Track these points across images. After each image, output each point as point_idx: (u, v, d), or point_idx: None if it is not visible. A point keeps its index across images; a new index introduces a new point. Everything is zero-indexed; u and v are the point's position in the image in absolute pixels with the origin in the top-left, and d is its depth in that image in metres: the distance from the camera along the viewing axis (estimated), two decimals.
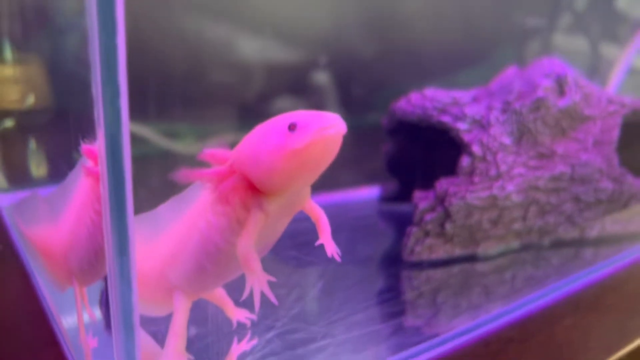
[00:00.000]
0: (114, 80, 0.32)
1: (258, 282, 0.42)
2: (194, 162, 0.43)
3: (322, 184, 0.81)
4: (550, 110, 0.68)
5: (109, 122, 0.33)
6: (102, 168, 0.34)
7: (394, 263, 0.66)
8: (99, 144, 0.35)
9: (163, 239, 0.48)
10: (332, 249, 0.47)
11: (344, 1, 1.03)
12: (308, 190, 0.46)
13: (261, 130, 0.41)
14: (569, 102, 0.69)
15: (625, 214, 0.78)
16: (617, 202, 0.75)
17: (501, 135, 0.65)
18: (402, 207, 0.77)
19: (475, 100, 0.66)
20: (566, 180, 0.70)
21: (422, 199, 0.63)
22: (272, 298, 0.42)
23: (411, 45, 1.12)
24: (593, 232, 0.76)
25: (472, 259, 0.68)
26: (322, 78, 1.03)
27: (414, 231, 0.63)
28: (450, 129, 0.64)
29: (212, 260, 0.44)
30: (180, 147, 0.90)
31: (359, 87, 1.09)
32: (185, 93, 0.88)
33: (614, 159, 0.74)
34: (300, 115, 0.40)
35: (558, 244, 0.74)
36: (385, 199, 0.78)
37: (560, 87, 0.69)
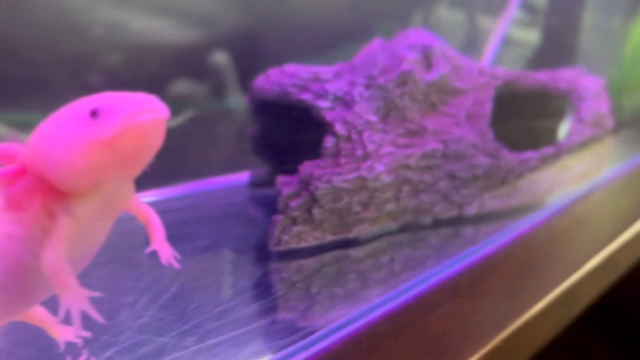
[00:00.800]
0: None
1: (75, 300, 0.35)
2: None
3: (189, 171, 0.74)
4: (418, 84, 0.64)
5: None
6: None
7: (262, 255, 0.60)
8: None
9: None
10: (167, 254, 0.41)
11: None
12: (131, 187, 0.39)
13: (56, 118, 0.34)
14: (437, 75, 0.66)
15: (504, 189, 0.76)
16: (495, 177, 0.73)
17: (366, 112, 0.61)
18: (273, 192, 0.72)
19: (337, 75, 0.61)
20: (439, 157, 0.67)
21: (285, 185, 0.57)
22: (96, 316, 0.35)
23: (298, 21, 1.08)
24: (472, 209, 0.73)
25: (345, 244, 0.63)
26: (220, 58, 0.96)
27: (280, 219, 0.57)
28: (311, 108, 0.59)
29: (15, 278, 0.37)
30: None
31: (258, 67, 1.04)
32: (58, 79, 0.79)
33: (488, 133, 0.71)
34: (106, 98, 0.33)
35: (437, 224, 0.71)
36: (254, 184, 0.73)
37: (427, 59, 0.65)
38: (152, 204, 0.48)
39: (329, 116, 0.59)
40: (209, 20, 0.96)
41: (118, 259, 0.58)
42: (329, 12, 1.12)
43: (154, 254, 0.44)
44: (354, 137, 0.60)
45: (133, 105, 0.32)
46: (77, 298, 0.35)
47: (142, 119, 0.32)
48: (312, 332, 0.50)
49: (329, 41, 1.09)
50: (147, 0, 0.87)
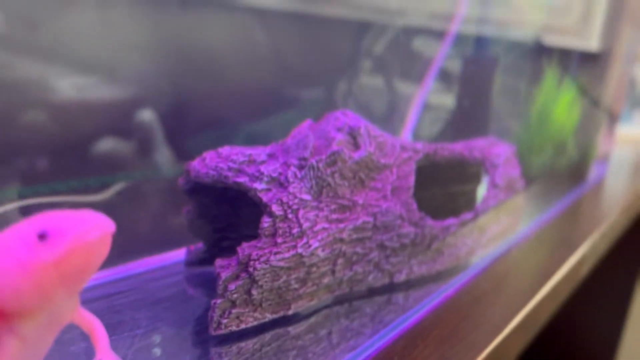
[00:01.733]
0: None
1: None
2: None
3: (122, 252, 0.73)
4: (347, 163, 0.69)
5: None
6: None
7: (202, 339, 0.61)
8: None
9: None
10: None
11: (160, 39, 0.98)
12: (76, 299, 0.40)
13: (1, 242, 0.34)
14: (363, 153, 0.70)
15: (429, 255, 0.81)
16: (420, 245, 0.78)
17: (300, 191, 0.64)
18: (211, 270, 0.73)
19: (271, 157, 0.65)
20: (370, 229, 0.71)
21: (224, 268, 0.59)
22: None
23: (228, 86, 1.10)
24: (402, 276, 0.77)
25: (284, 321, 0.65)
26: (146, 116, 0.97)
27: (219, 303, 0.59)
28: (248, 189, 0.61)
29: None
30: None
31: (185, 127, 1.05)
32: None
33: (412, 204, 0.76)
34: (52, 219, 0.34)
35: (371, 292, 0.74)
36: (190, 263, 0.74)
37: (354, 139, 0.70)
38: (85, 291, 0.48)
39: (265, 197, 0.62)
40: (136, 79, 0.98)
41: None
42: (260, 80, 1.16)
43: (88, 346, 0.44)
44: (290, 216, 0.62)
45: (80, 225, 0.33)
46: None
47: (89, 237, 0.33)
48: None
49: (259, 108, 1.12)
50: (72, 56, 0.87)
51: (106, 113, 0.94)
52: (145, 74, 0.98)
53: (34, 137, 0.84)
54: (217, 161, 0.63)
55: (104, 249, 0.35)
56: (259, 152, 0.64)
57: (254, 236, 0.63)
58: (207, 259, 0.74)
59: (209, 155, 0.64)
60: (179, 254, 0.78)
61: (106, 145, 0.93)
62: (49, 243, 0.33)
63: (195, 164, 0.65)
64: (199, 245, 0.75)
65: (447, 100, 1.31)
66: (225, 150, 0.64)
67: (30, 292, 0.33)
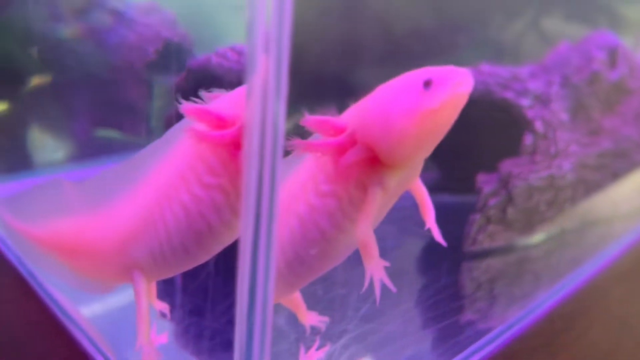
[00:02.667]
0: None
1: (377, 269, 0.36)
2: None
3: None
4: (603, 84, 0.65)
5: None
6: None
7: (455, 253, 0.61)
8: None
9: (128, 205, 0.40)
10: (437, 235, 0.42)
11: None
12: (421, 163, 0.39)
13: (389, 90, 0.35)
14: (618, 75, 0.66)
15: None
16: None
17: (560, 111, 0.61)
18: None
19: (533, 75, 0.61)
20: (609, 156, 0.67)
21: (486, 183, 0.57)
22: (391, 286, 0.36)
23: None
24: (625, 206, 0.74)
25: (524, 245, 0.64)
26: None
27: (477, 218, 0.58)
28: (512, 106, 0.58)
29: (197, 241, 0.37)
30: None
31: None
32: None
33: None
34: (435, 71, 0.34)
35: (593, 222, 0.72)
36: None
37: (613, 59, 0.65)
38: None
39: (529, 114, 0.59)
40: None
41: None
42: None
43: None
44: (550, 134, 0.60)
45: (456, 77, 0.34)
46: (379, 268, 0.36)
47: (462, 89, 0.33)
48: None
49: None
50: None
51: None
52: None
53: None
54: (483, 76, 0.60)
55: (461, 107, 0.35)
56: (522, 70, 0.61)
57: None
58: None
59: (242, 52, 0.61)
60: None
61: None
62: (433, 90, 0.33)
63: (221, 60, 0.63)
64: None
65: None
66: (485, 67, 0.61)
67: (414, 137, 0.34)
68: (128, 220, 0.40)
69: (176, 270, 0.40)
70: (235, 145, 0.35)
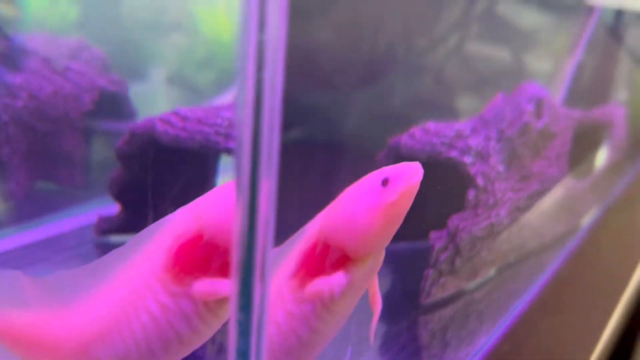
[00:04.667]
0: None
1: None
2: None
3: None
4: (531, 134, 0.70)
5: None
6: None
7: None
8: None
9: (93, 304, 0.39)
10: (372, 336, 0.45)
11: None
12: (383, 253, 0.41)
13: (352, 194, 0.39)
14: (544, 123, 0.71)
15: None
16: None
17: (497, 163, 0.65)
18: None
19: (474, 131, 0.65)
20: (536, 196, 0.73)
21: (437, 240, 0.61)
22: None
23: None
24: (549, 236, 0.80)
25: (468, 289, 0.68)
26: None
27: (430, 273, 0.61)
28: (457, 164, 0.62)
29: (165, 349, 0.37)
30: None
31: None
32: None
33: (566, 169, 0.78)
34: (390, 169, 0.39)
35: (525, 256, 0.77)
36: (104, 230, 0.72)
37: (539, 109, 0.70)
38: None
39: (472, 170, 0.63)
40: None
41: None
42: None
43: None
44: (489, 188, 0.64)
45: (409, 171, 0.38)
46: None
47: (414, 180, 0.38)
48: None
49: None
50: None
51: None
52: None
53: None
54: (429, 136, 0.63)
55: (414, 195, 0.39)
56: (464, 127, 0.65)
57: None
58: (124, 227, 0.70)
59: (417, 132, 0.64)
60: None
61: None
62: (390, 186, 0.38)
63: (167, 128, 0.62)
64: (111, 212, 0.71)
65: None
66: (431, 126, 0.64)
67: (376, 232, 0.38)
68: (94, 320, 0.38)
69: None
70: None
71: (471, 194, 0.63)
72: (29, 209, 0.72)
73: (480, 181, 0.63)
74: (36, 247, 0.68)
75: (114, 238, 0.69)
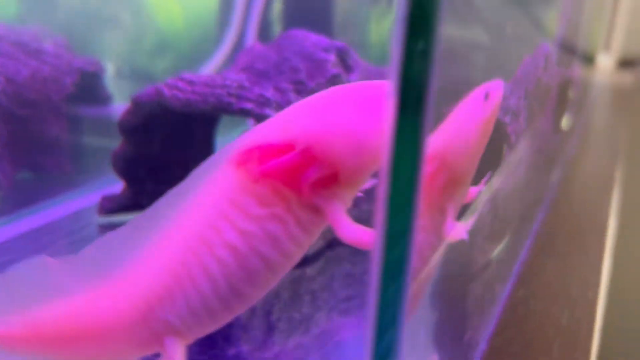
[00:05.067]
0: None
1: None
2: None
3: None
4: (541, 88, 0.71)
5: None
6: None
7: None
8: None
9: (148, 264, 0.36)
10: None
11: None
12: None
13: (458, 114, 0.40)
14: (357, 77, 0.66)
15: None
16: None
17: (523, 122, 0.65)
18: None
19: (256, 83, 0.60)
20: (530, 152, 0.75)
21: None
22: None
23: None
24: None
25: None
26: None
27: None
28: (258, 116, 0.58)
29: (252, 282, 0.35)
30: None
31: None
32: None
33: (553, 124, 0.81)
34: (486, 86, 0.41)
35: None
36: (109, 210, 0.70)
37: (344, 61, 0.66)
38: None
39: (509, 129, 0.62)
40: None
41: None
42: None
43: None
44: (517, 145, 0.64)
45: (498, 90, 0.41)
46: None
47: (499, 99, 0.41)
48: None
49: None
50: None
51: None
52: None
53: None
54: (209, 88, 0.58)
55: None
56: (236, 77, 0.60)
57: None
58: (129, 206, 0.67)
59: (192, 82, 0.59)
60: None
61: None
62: (488, 102, 0.40)
63: (175, 93, 0.59)
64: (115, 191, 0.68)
65: None
66: (201, 77, 0.59)
67: (478, 144, 0.40)
68: (151, 281, 0.35)
69: (224, 319, 0.37)
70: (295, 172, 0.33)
71: (507, 152, 0.63)
72: (16, 198, 0.69)
73: (513, 139, 0.63)
74: (33, 236, 0.63)
75: (118, 218, 0.66)
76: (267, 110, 0.57)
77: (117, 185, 0.67)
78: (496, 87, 0.40)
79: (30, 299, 0.36)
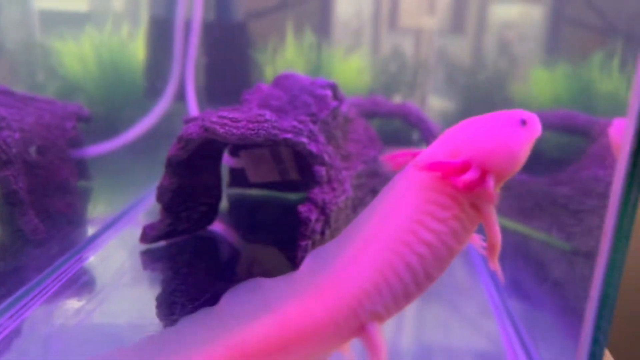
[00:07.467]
0: None
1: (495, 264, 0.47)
2: None
3: None
4: (339, 117, 0.76)
5: None
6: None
7: None
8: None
9: (355, 268, 0.44)
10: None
11: None
12: None
13: (488, 125, 0.45)
14: (346, 107, 0.78)
15: None
16: None
17: (325, 143, 0.70)
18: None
19: (279, 117, 0.68)
20: (365, 177, 0.80)
21: (310, 212, 0.64)
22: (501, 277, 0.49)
23: None
24: None
25: None
26: None
27: (304, 245, 0.64)
28: (295, 144, 0.66)
29: (441, 267, 0.44)
30: None
31: None
32: None
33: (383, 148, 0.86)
34: (521, 113, 0.46)
35: None
36: (153, 238, 0.74)
37: (335, 94, 0.76)
38: None
39: (314, 149, 0.66)
40: None
41: None
42: None
43: None
44: (335, 164, 0.69)
45: (535, 118, 0.46)
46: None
47: (538, 131, 0.46)
48: None
49: None
50: None
51: None
52: None
53: None
54: (256, 124, 0.65)
55: None
56: (264, 113, 0.67)
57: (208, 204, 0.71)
58: (169, 232, 0.73)
59: (236, 119, 0.65)
60: None
61: None
62: (528, 127, 0.45)
63: (230, 129, 0.65)
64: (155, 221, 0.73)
65: None
66: (239, 114, 0.66)
67: (521, 159, 0.44)
68: (360, 281, 0.43)
69: (416, 297, 0.45)
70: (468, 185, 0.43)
71: (322, 171, 0.66)
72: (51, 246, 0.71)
73: (327, 158, 0.67)
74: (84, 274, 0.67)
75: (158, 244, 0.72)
76: (302, 138, 0.64)
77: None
78: (532, 117, 0.45)
79: (249, 317, 0.43)
